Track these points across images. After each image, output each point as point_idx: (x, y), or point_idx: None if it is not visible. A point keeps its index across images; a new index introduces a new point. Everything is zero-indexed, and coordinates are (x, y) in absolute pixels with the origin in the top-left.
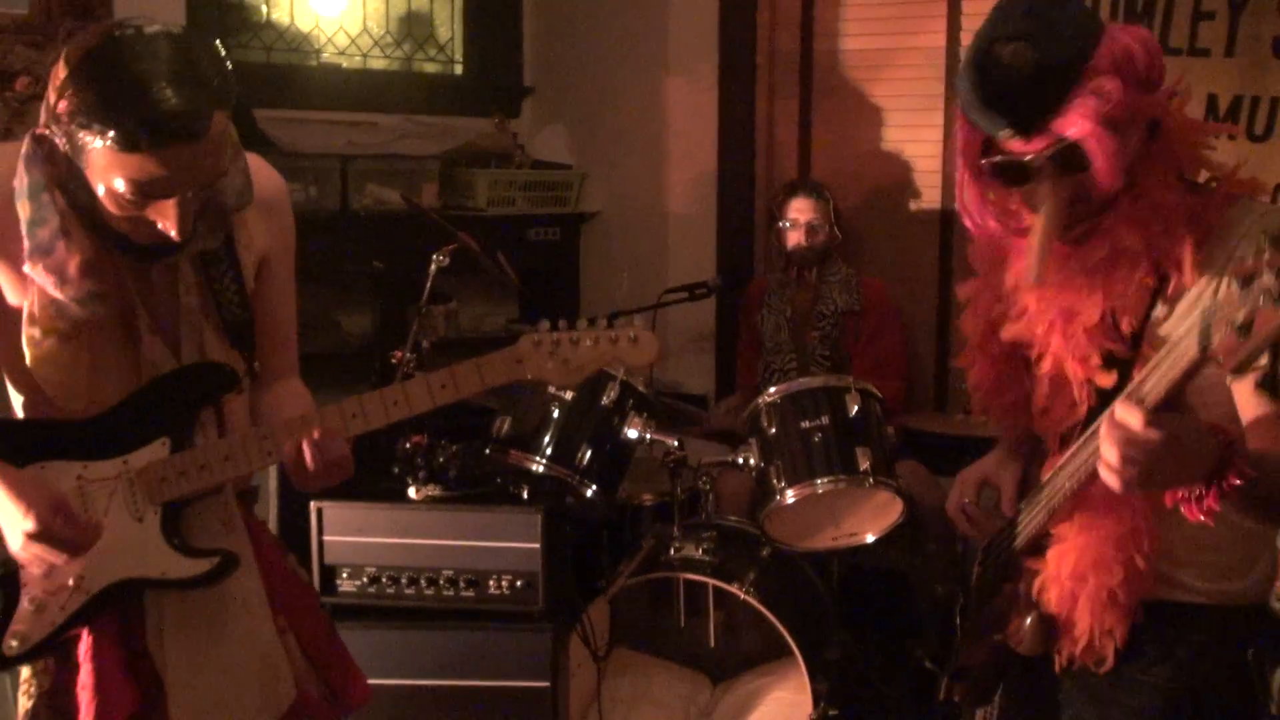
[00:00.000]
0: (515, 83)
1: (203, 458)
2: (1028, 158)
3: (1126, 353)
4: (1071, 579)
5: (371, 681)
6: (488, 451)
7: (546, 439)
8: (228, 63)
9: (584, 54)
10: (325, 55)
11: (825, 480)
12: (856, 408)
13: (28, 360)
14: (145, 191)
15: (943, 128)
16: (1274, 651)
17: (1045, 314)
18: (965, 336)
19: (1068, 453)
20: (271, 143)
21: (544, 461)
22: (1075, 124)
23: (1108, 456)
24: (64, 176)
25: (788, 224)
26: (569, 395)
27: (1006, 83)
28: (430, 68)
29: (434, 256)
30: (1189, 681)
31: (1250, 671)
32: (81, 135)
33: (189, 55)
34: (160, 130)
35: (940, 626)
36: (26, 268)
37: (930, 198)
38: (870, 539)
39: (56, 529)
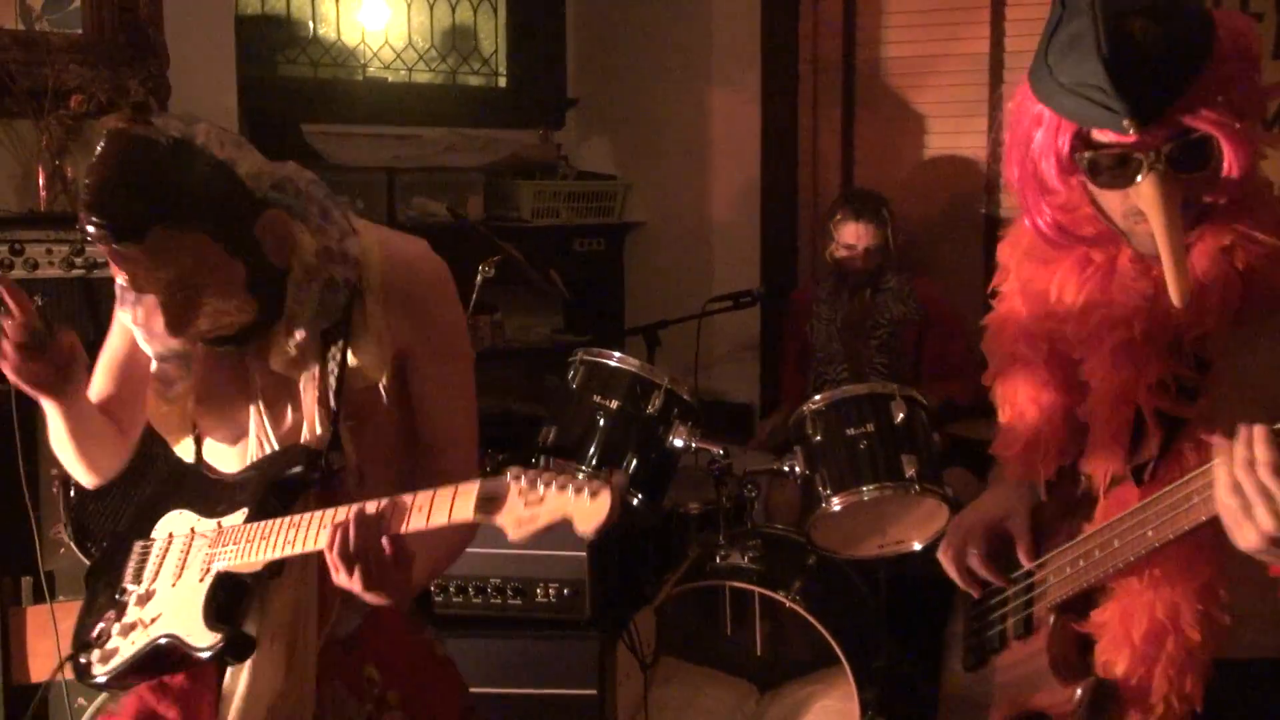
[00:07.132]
0: (559, 94)
1: (267, 530)
2: (1140, 151)
3: (1198, 379)
4: (1145, 641)
5: None
6: (534, 460)
7: (592, 448)
8: (199, 179)
9: (627, 65)
10: (371, 70)
11: (871, 488)
12: (902, 415)
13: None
14: (129, 283)
15: (986, 133)
16: None
17: (1108, 331)
18: (991, 355)
19: (1146, 499)
20: (318, 156)
21: (590, 470)
22: (1203, 114)
23: (1265, 524)
24: None
25: (842, 248)
26: (614, 404)
27: (1138, 62)
28: (474, 81)
29: (480, 268)
30: None
31: None
32: None
33: (136, 164)
34: (92, 229)
35: None
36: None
37: (974, 204)
38: (917, 547)
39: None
